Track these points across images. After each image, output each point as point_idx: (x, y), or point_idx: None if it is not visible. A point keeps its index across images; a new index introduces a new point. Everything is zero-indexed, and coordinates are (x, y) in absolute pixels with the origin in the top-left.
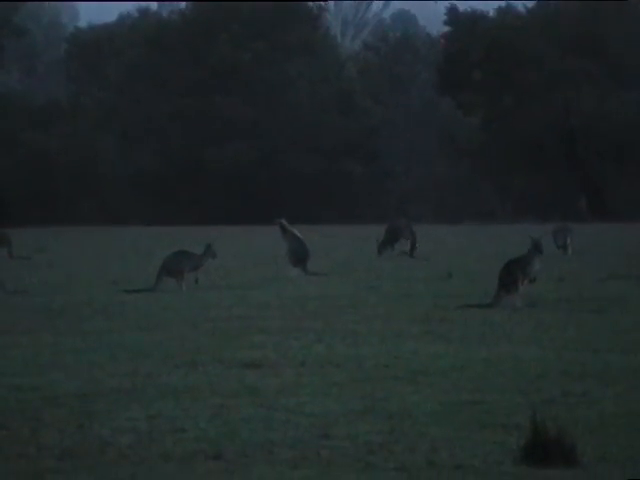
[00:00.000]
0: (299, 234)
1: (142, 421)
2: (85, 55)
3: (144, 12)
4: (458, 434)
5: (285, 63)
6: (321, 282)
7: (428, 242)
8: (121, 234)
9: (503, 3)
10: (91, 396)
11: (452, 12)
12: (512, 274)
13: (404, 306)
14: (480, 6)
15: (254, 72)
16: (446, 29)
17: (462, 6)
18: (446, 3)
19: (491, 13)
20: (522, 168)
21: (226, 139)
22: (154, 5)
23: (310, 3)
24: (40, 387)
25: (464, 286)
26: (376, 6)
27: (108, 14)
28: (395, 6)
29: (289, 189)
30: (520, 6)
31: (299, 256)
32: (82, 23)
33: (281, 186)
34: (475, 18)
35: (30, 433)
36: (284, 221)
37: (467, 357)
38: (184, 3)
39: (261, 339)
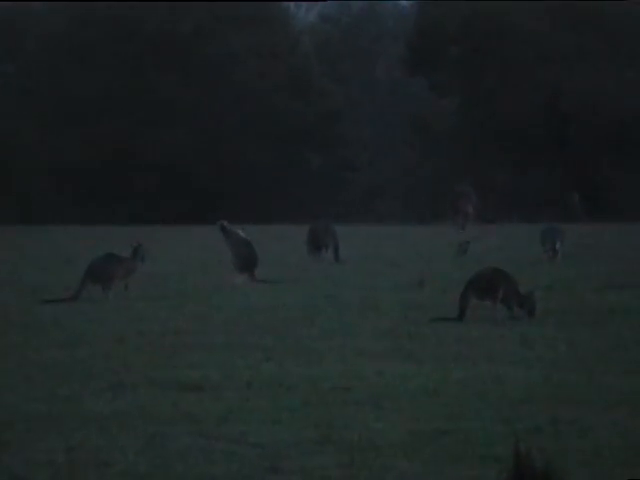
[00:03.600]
0: (244, 235)
1: (61, 453)
2: None
3: None
4: (429, 468)
5: (230, 36)
6: (271, 291)
7: (397, 244)
8: (38, 235)
9: None
10: (1, 424)
11: None
12: (492, 279)
13: (367, 319)
14: None
15: (194, 46)
16: None
17: None
18: None
19: None
20: (505, 159)
21: (161, 124)
22: None
23: None
24: None
25: (437, 296)
26: None
27: None
28: None
29: (234, 183)
30: None
31: (246, 261)
32: None
33: (225, 179)
34: None
35: None
36: (225, 223)
37: (440, 378)
38: None
39: (201, 357)
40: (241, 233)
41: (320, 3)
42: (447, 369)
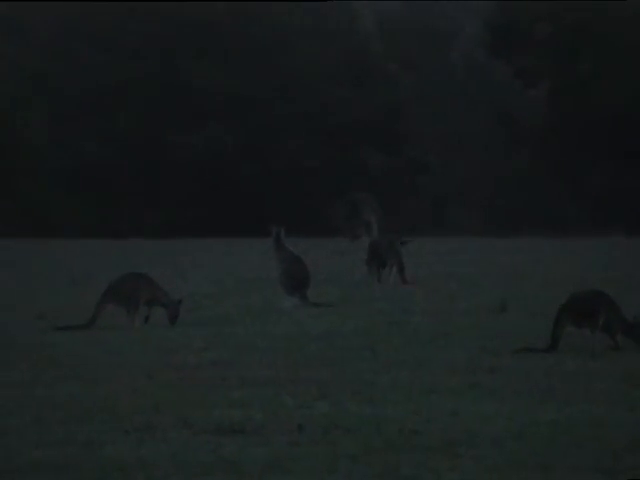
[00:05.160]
0: (295, 251)
1: None
2: (3, 6)
3: None
4: None
5: (274, 13)
6: (326, 315)
7: (474, 261)
8: (50, 249)
9: None
10: (6, 474)
11: None
12: (592, 303)
13: (440, 349)
14: None
15: (233, 28)
16: None
17: None
18: None
19: None
20: (604, 159)
21: (196, 119)
22: None
23: None
24: None
25: (523, 322)
26: None
27: None
28: None
29: (283, 188)
30: None
31: (296, 281)
32: None
33: (272, 184)
34: None
35: None
36: (282, 232)
37: (527, 420)
38: None
39: (243, 394)
40: (292, 248)
41: None
42: (535, 409)
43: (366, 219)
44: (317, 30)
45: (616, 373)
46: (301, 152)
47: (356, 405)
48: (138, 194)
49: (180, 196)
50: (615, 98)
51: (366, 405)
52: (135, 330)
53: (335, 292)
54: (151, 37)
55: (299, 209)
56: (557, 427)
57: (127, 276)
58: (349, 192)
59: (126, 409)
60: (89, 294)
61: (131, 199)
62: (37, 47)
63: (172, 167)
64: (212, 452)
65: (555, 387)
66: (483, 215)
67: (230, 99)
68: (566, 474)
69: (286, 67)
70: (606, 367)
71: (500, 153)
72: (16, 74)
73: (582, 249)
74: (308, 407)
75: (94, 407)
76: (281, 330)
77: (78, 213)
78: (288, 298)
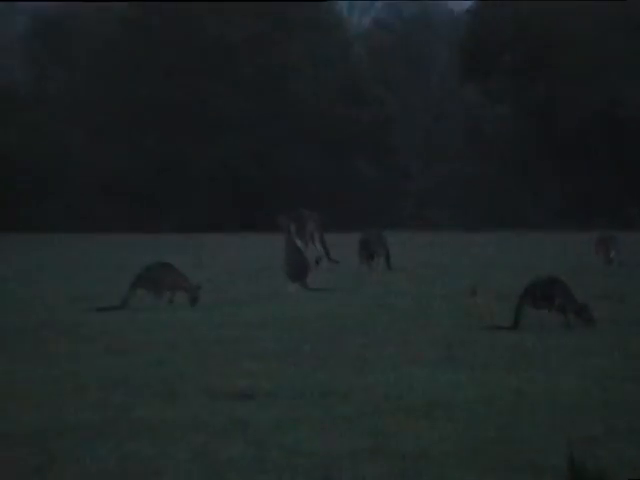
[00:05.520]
0: (299, 244)
1: (112, 462)
2: (48, 33)
3: None
4: (483, 478)
5: (283, 44)
6: (324, 299)
7: (448, 252)
8: (90, 242)
9: None
10: (52, 433)
11: None
12: (549, 287)
13: (420, 327)
14: None
15: (247, 54)
16: (471, 3)
17: None
18: None
19: None
20: (560, 166)
21: (214, 133)
22: None
23: None
24: None
25: (491, 304)
26: None
27: None
28: None
29: (288, 191)
30: None
31: (298, 269)
32: None
33: (276, 187)
34: None
35: None
36: (293, 226)
37: (494, 387)
38: None
39: (253, 365)
40: (297, 241)
41: (374, 9)
42: (500, 378)
43: (310, 231)
44: (317, 58)
45: (568, 347)
46: (303, 160)
47: (349, 374)
48: (164, 196)
49: (199, 198)
50: (566, 115)
51: (358, 374)
52: (161, 310)
53: (331, 279)
54: (176, 65)
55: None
56: (519, 393)
57: (154, 265)
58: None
59: (153, 378)
60: (123, 280)
61: (158, 200)
62: (80, 74)
63: (193, 173)
64: (227, 414)
65: (518, 359)
66: (457, 213)
67: (242, 116)
68: (525, 432)
69: (290, 89)
70: (560, 342)
71: (471, 161)
72: (64, 97)
73: (540, 242)
74: (308, 376)
75: (126, 376)
76: (285, 311)
77: (114, 212)
78: (291, 284)
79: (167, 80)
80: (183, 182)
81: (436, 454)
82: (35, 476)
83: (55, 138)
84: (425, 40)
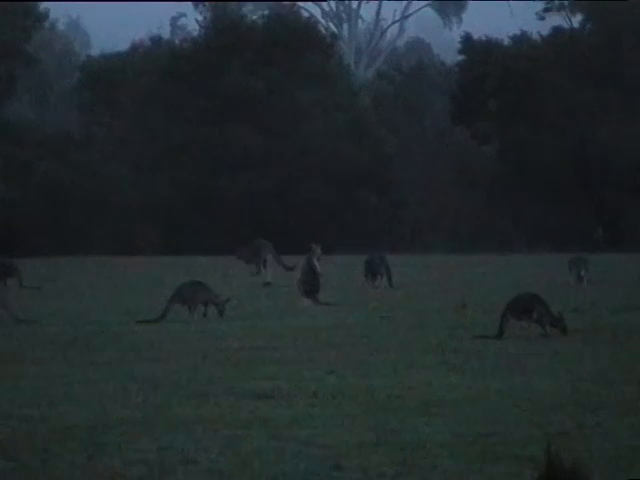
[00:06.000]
0: (316, 264)
1: (153, 453)
2: (97, 84)
3: (157, 41)
4: (471, 466)
5: (298, 91)
6: (333, 312)
7: (442, 272)
8: (133, 264)
9: (518, 31)
10: (101, 427)
11: (466, 41)
12: (528, 302)
13: (417, 337)
14: (495, 34)
15: (267, 100)
16: (460, 58)
17: (476, 34)
18: (460, 31)
19: (506, 42)
20: (538, 198)
21: (239, 168)
22: (166, 34)
23: (323, 30)
24: (50, 418)
25: (478, 317)
26: (390, 35)
27: (121, 43)
28: (409, 34)
29: (302, 218)
30: (535, 35)
31: (309, 287)
32: (94, 52)
33: (294, 215)
34: (490, 47)
35: (40, 465)
36: (317, 249)
37: (481, 388)
38: (196, 32)
39: (273, 370)
40: (316, 262)
41: (376, 63)
42: (487, 380)
43: (264, 257)
44: (327, 103)
45: (546, 353)
46: (314, 192)
47: (356, 378)
48: (195, 223)
49: (227, 224)
50: (543, 153)
51: (363, 377)
52: (194, 323)
53: (340, 294)
54: (206, 108)
55: (315, 234)
56: (502, 393)
57: (188, 283)
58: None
59: (187, 381)
60: (160, 296)
61: (190, 227)
62: (124, 118)
63: (221, 203)
64: (250, 412)
65: (501, 364)
66: (448, 238)
67: (264, 153)
68: (508, 427)
69: (303, 131)
70: (538, 349)
71: (461, 193)
72: (110, 138)
73: (521, 263)
74: (320, 379)
75: (164, 380)
76: (300, 323)
77: (153, 237)
78: (305, 299)
79: (198, 122)
80: (212, 211)
81: (432, 446)
82: (87, 464)
83: (102, 173)
84: (421, 89)
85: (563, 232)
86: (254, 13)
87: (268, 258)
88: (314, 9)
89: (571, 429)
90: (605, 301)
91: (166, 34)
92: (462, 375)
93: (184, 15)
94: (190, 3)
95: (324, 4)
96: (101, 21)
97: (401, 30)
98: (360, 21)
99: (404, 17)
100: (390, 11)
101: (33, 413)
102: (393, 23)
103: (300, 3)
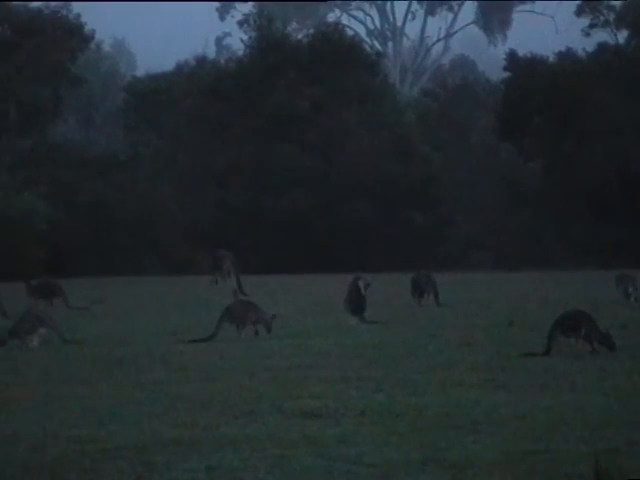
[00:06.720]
0: (361, 285)
1: (201, 472)
2: (142, 104)
3: (201, 61)
4: None
5: (343, 110)
6: (380, 330)
7: (489, 289)
8: (180, 283)
9: (563, 48)
10: (149, 447)
11: (511, 57)
12: (576, 319)
13: (465, 354)
14: (540, 51)
15: (312, 119)
16: (505, 74)
17: (521, 51)
18: (505, 48)
19: (551, 58)
20: (584, 215)
21: (285, 187)
22: (212, 53)
23: (368, 48)
24: (98, 438)
25: (526, 334)
26: (435, 52)
27: (166, 63)
28: (454, 52)
29: (348, 237)
30: (580, 51)
31: (356, 306)
32: (140, 72)
33: (341, 234)
34: (535, 63)
35: None
36: (363, 279)
37: (529, 406)
38: (241, 51)
39: (321, 388)
40: (361, 283)
41: (421, 80)
42: (535, 398)
43: (226, 269)
44: (372, 121)
45: (594, 370)
46: (361, 210)
47: (403, 396)
48: (242, 242)
49: (272, 243)
50: (589, 169)
51: (411, 396)
52: (241, 342)
53: (387, 313)
54: (251, 128)
55: (360, 252)
56: (551, 411)
57: (238, 302)
58: (398, 240)
59: (235, 400)
60: (207, 316)
61: (236, 246)
62: (169, 138)
63: (267, 222)
64: (298, 431)
65: (549, 381)
66: (495, 256)
67: (308, 172)
68: (557, 444)
69: (349, 149)
70: (586, 366)
71: (507, 210)
72: (155, 158)
73: (568, 280)
74: (368, 397)
75: (212, 399)
76: (347, 341)
77: (199, 256)
78: (352, 318)
79: (244, 142)
80: (258, 230)
81: (480, 464)
82: None
83: (148, 193)
84: (466, 106)
85: (610, 249)
86: (299, 32)
87: (230, 268)
88: (359, 27)
89: (620, 446)
90: None
91: (211, 54)
92: (510, 393)
93: (229, 34)
94: (235, 22)
95: (369, 22)
96: (146, 41)
97: (446, 47)
98: (405, 39)
99: (449, 35)
100: (435, 29)
101: (81, 433)
102: (438, 41)
103: (345, 21)
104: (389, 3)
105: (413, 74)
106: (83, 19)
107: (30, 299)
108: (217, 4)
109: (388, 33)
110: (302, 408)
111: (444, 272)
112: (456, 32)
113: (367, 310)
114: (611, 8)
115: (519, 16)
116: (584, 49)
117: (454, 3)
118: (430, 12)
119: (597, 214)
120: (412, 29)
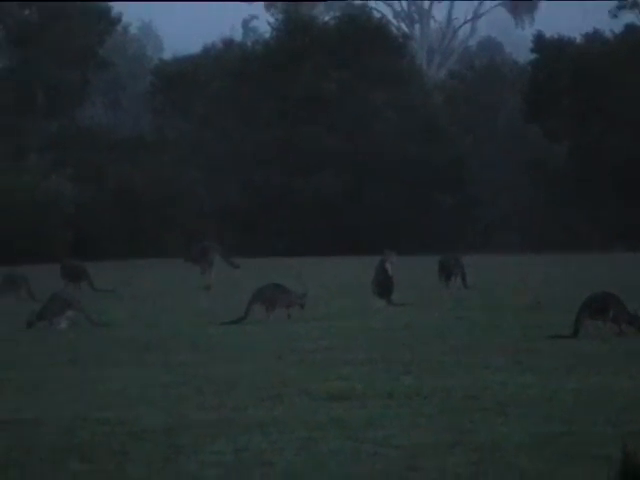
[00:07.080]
0: (388, 266)
1: (229, 455)
2: (169, 87)
3: (229, 43)
4: (548, 466)
5: (370, 92)
6: (407, 313)
7: (516, 272)
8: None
9: (590, 29)
10: (178, 430)
11: (538, 39)
12: (604, 301)
13: (492, 337)
14: (567, 33)
15: (339, 102)
16: (533, 56)
17: (548, 33)
18: (532, 30)
19: (578, 40)
20: (611, 196)
21: (312, 170)
22: (239, 36)
23: (395, 31)
24: (127, 421)
25: (553, 316)
26: (462, 34)
27: (192, 46)
28: (481, 34)
29: (376, 219)
30: (607, 32)
31: (383, 288)
32: (167, 55)
33: (367, 217)
34: (562, 45)
35: (116, 467)
36: (391, 253)
37: (556, 388)
38: (268, 34)
39: (348, 371)
40: (388, 265)
41: (449, 62)
42: (562, 380)
43: (211, 259)
44: (400, 103)
45: (621, 352)
46: (387, 193)
47: (431, 378)
48: (269, 225)
49: (299, 226)
50: (618, 151)
51: (438, 378)
52: (269, 324)
53: (414, 295)
54: (278, 110)
55: (388, 234)
56: (578, 392)
57: (268, 285)
58: (425, 222)
59: (262, 382)
60: (235, 298)
61: (264, 228)
62: (196, 121)
63: (294, 205)
64: (325, 413)
65: (576, 363)
66: (522, 237)
67: (336, 155)
68: (584, 426)
69: (377, 131)
70: (614, 348)
71: (533, 191)
72: (182, 141)
73: (596, 262)
74: (395, 380)
75: (239, 381)
76: (374, 324)
77: (226, 239)
78: (379, 300)
79: (270, 125)
80: (285, 213)
81: (507, 446)
82: (164, 466)
83: (174, 177)
84: (493, 87)
85: (638, 231)
86: (326, 14)
87: (216, 260)
88: (386, 9)
89: None
90: None
91: (238, 36)
92: (537, 375)
93: (256, 17)
94: (262, 5)
95: (395, 4)
96: (173, 24)
97: (473, 29)
98: (432, 21)
99: (476, 16)
100: (462, 11)
101: (110, 416)
102: (465, 23)
103: (372, 3)
104: None
105: (440, 56)
106: (110, 3)
107: (63, 280)
108: None
109: (415, 15)
110: (329, 390)
111: (471, 254)
112: (483, 14)
113: (394, 292)
114: None
115: None
116: (611, 30)
117: None
118: None
119: (625, 196)
120: (439, 11)
